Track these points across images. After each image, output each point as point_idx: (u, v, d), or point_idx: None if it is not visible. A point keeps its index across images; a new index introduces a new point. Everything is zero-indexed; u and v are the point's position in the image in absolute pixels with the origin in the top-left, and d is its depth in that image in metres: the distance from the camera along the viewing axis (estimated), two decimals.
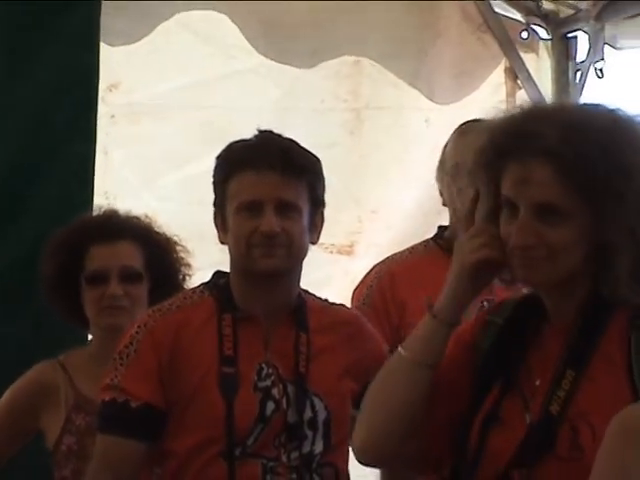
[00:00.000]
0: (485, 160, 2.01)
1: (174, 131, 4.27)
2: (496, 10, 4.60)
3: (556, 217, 1.94)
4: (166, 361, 2.52)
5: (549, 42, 4.64)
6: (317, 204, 2.59)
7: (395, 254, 3.28)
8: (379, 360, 2.28)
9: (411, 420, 2.01)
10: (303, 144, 2.60)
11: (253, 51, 4.24)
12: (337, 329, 2.61)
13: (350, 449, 2.61)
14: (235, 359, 2.52)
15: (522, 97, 4.58)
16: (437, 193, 3.26)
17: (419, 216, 4.18)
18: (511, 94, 4.63)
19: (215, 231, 2.62)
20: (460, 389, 2.04)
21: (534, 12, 4.55)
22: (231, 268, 2.60)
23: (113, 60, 3.95)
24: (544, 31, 4.62)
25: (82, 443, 2.91)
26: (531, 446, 1.94)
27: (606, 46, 4.50)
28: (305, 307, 2.61)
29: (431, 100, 4.50)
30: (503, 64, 4.63)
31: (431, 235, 3.27)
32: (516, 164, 1.96)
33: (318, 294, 2.69)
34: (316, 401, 2.54)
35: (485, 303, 2.49)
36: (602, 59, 4.47)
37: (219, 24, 4.19)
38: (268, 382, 2.53)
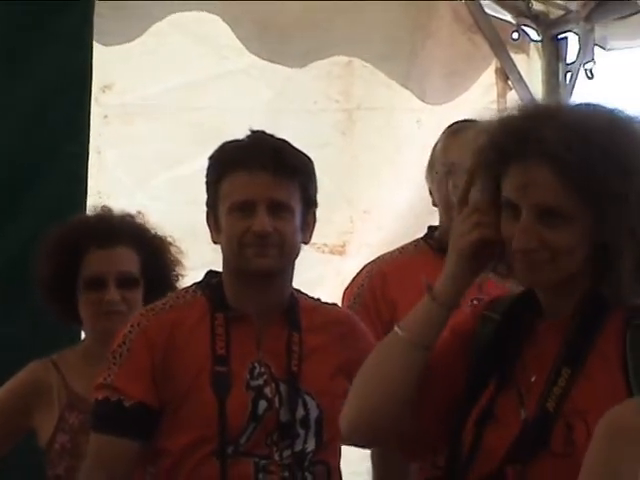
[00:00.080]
0: (485, 160, 2.01)
1: (167, 131, 4.28)
2: (487, 11, 4.61)
3: (558, 220, 1.95)
4: (159, 360, 2.53)
5: (539, 43, 4.66)
6: (309, 204, 2.60)
7: (386, 254, 3.29)
8: None
9: (404, 400, 2.01)
10: (295, 144, 2.61)
11: (245, 51, 4.24)
12: (329, 328, 2.62)
13: (342, 447, 2.66)
14: (228, 358, 2.53)
15: (513, 98, 4.60)
16: (428, 193, 3.29)
17: (410, 217, 4.19)
18: (502, 95, 4.64)
19: (208, 231, 2.63)
20: (455, 375, 2.05)
21: (524, 13, 4.56)
22: (224, 268, 2.61)
23: (106, 61, 3.95)
24: (534, 32, 4.63)
25: (75, 441, 2.92)
26: (526, 442, 1.95)
27: (596, 47, 4.51)
28: (297, 306, 2.62)
29: (422, 101, 4.52)
30: (494, 65, 4.64)
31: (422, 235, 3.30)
32: (517, 167, 1.96)
33: (310, 294, 2.70)
34: (308, 400, 2.55)
35: (475, 302, 2.50)
36: (592, 60, 4.49)
37: (212, 25, 4.20)
38: (260, 381, 2.54)
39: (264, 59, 4.27)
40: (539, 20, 4.60)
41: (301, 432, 2.54)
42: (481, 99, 4.60)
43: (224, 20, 4.18)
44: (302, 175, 2.57)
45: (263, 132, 2.61)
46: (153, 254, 2.98)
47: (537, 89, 4.62)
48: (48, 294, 3.01)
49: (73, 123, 3.64)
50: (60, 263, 2.94)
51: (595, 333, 1.98)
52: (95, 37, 3.71)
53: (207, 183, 2.62)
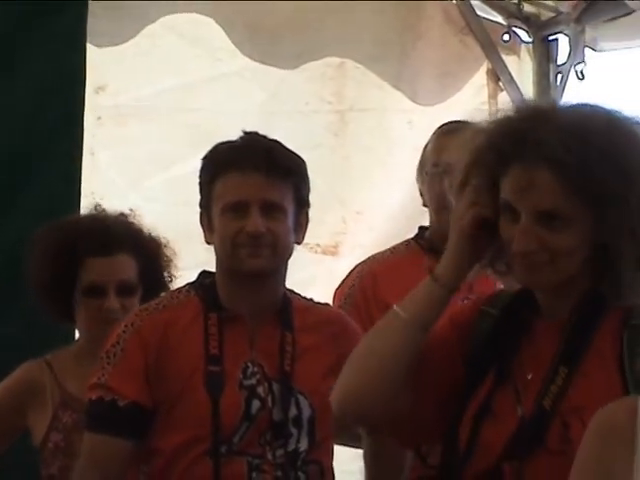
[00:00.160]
0: (483, 161, 2.02)
1: (160, 133, 4.27)
2: (478, 13, 4.61)
3: (557, 222, 1.95)
4: (153, 360, 2.54)
5: (530, 45, 4.66)
6: (302, 204, 2.61)
7: (377, 254, 3.30)
8: None
9: (396, 379, 2.01)
10: (288, 146, 2.62)
11: (238, 53, 4.25)
12: (322, 328, 2.63)
13: (334, 446, 2.67)
14: (221, 358, 2.54)
15: (504, 99, 4.61)
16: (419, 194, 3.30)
17: (402, 217, 4.20)
18: (493, 96, 4.65)
19: (201, 231, 2.64)
20: (453, 363, 2.05)
21: (515, 15, 4.57)
22: (217, 268, 2.62)
23: (100, 62, 3.95)
24: (525, 34, 4.63)
25: (69, 440, 2.92)
26: (522, 439, 1.96)
27: (586, 48, 4.52)
28: (290, 307, 2.63)
29: (414, 102, 4.52)
30: (485, 66, 4.64)
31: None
32: (516, 170, 1.97)
33: (303, 294, 2.71)
34: (301, 399, 2.56)
35: (465, 301, 2.52)
36: (583, 61, 4.49)
37: (205, 27, 4.20)
38: (253, 380, 2.55)
39: (256, 61, 4.28)
40: (530, 22, 4.60)
41: (294, 431, 2.55)
42: (472, 100, 4.61)
43: (217, 22, 4.18)
44: (295, 176, 2.58)
45: (256, 133, 2.62)
46: (150, 259, 2.99)
47: (528, 90, 4.63)
48: (45, 297, 3.01)
49: (67, 124, 3.64)
50: (59, 268, 2.94)
51: (592, 332, 1.99)
52: (88, 38, 3.72)
53: (200, 184, 2.63)
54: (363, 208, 4.53)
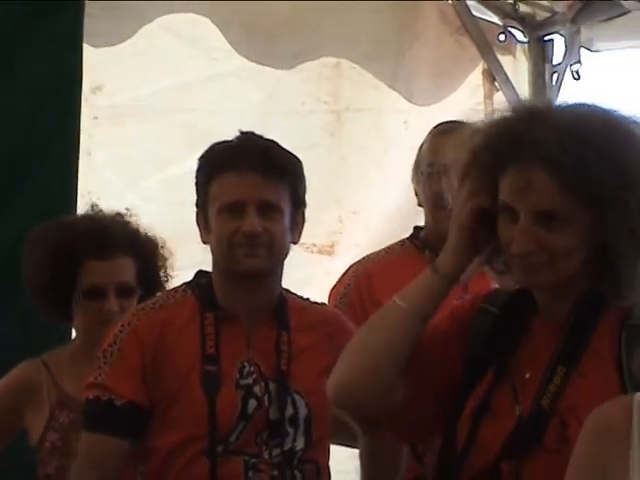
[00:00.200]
0: (481, 162, 2.02)
1: (157, 133, 4.28)
2: (474, 13, 4.63)
3: (556, 222, 1.95)
4: (150, 359, 2.54)
5: (526, 45, 4.67)
6: (298, 204, 2.62)
7: (372, 254, 3.32)
8: None
9: (393, 369, 2.02)
10: (284, 146, 2.63)
11: (235, 53, 4.26)
12: (318, 328, 2.64)
13: (331, 446, 2.68)
14: (217, 357, 2.54)
15: (500, 99, 4.62)
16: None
17: (398, 217, 4.20)
18: (489, 96, 4.66)
19: (197, 231, 2.64)
20: (453, 358, 2.06)
21: (511, 15, 4.58)
22: (213, 268, 2.63)
23: (96, 62, 3.95)
24: (521, 34, 4.65)
25: (66, 439, 2.93)
26: (520, 438, 1.96)
27: (582, 49, 4.53)
28: (286, 306, 2.64)
29: (410, 102, 4.53)
30: (481, 66, 4.66)
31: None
32: (514, 171, 1.97)
33: (299, 293, 2.72)
34: (297, 398, 2.57)
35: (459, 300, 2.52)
36: (578, 61, 4.50)
37: (201, 27, 4.20)
38: (250, 380, 2.55)
39: (253, 61, 4.28)
40: (525, 22, 4.62)
41: (290, 431, 2.55)
42: (468, 100, 4.62)
43: (213, 22, 4.19)
44: (291, 176, 2.59)
45: (252, 133, 2.63)
46: (148, 261, 3.00)
47: (524, 90, 4.64)
48: (43, 298, 3.02)
49: (63, 124, 3.64)
50: (58, 271, 2.94)
51: (591, 332, 2.00)
52: (85, 39, 3.72)
53: (197, 184, 2.63)
54: (359, 208, 4.54)
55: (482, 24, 4.64)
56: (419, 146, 3.28)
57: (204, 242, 2.63)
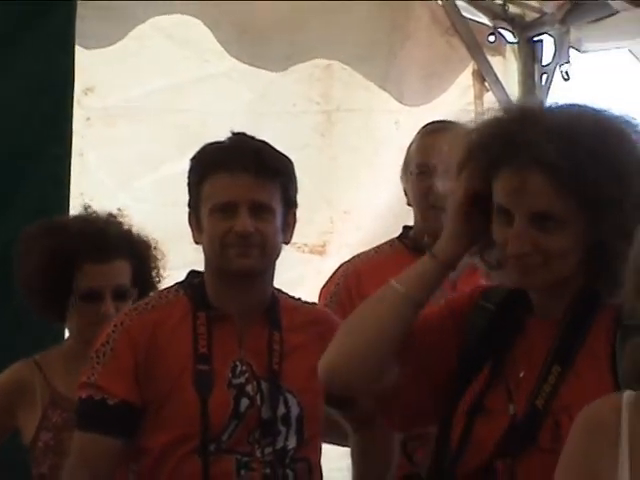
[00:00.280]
0: (475, 160, 2.03)
1: (149, 134, 4.28)
2: (464, 14, 4.64)
3: (551, 223, 1.96)
4: (142, 359, 2.55)
5: (516, 45, 4.68)
6: (290, 205, 2.62)
7: (361, 253, 3.33)
8: None
9: (384, 350, 2.03)
10: (276, 146, 2.64)
11: (226, 54, 4.26)
12: (309, 328, 2.64)
13: (322, 444, 2.69)
14: (210, 357, 2.55)
15: (490, 99, 4.64)
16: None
17: (389, 217, 4.21)
18: (479, 96, 4.68)
19: (190, 231, 2.65)
20: (448, 349, 2.07)
21: (501, 16, 4.59)
22: (206, 268, 2.64)
23: (88, 63, 3.95)
24: (511, 34, 4.66)
25: (59, 438, 2.94)
26: (514, 438, 1.97)
27: (571, 49, 4.55)
28: (278, 306, 2.65)
29: (400, 102, 4.54)
30: (471, 67, 4.67)
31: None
32: (508, 172, 1.98)
33: (291, 293, 2.73)
34: (289, 397, 2.58)
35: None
36: (567, 62, 4.52)
37: (193, 28, 4.21)
38: (242, 379, 2.56)
39: (245, 63, 4.29)
40: (515, 23, 4.63)
41: (282, 429, 2.56)
42: (458, 100, 4.63)
43: (205, 23, 4.19)
44: (283, 176, 2.60)
45: (244, 134, 2.64)
46: (143, 263, 3.02)
47: (513, 90, 4.65)
48: (39, 300, 3.03)
49: (56, 125, 3.65)
50: (55, 274, 2.95)
51: (586, 332, 2.00)
52: (77, 40, 3.72)
53: (189, 184, 2.64)
54: (350, 208, 4.55)
55: (472, 25, 4.65)
56: (408, 146, 3.29)
57: (196, 242, 2.64)
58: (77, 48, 3.73)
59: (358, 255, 3.33)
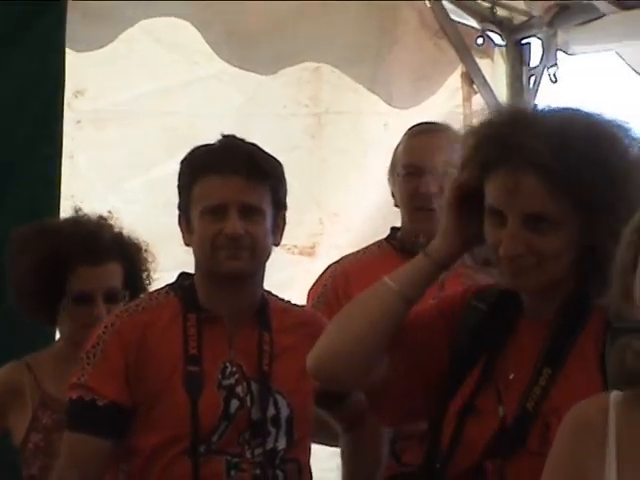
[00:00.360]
0: (469, 165, 2.04)
1: (139, 136, 4.28)
2: (452, 17, 4.65)
3: (545, 225, 1.97)
4: (132, 360, 2.56)
5: (504, 48, 4.68)
6: (279, 207, 2.63)
7: (349, 254, 3.33)
8: None
9: (373, 346, 2.03)
10: (265, 148, 2.65)
11: (215, 57, 4.27)
12: (299, 330, 2.65)
13: (312, 445, 2.70)
14: (200, 358, 2.56)
15: (478, 101, 4.65)
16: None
17: (378, 218, 4.22)
18: (467, 98, 4.69)
19: (180, 233, 2.66)
20: (440, 348, 2.07)
21: (489, 19, 4.59)
22: (196, 270, 2.65)
23: (79, 66, 3.95)
24: (499, 37, 4.66)
25: (49, 440, 2.95)
26: (504, 440, 1.98)
27: (559, 52, 4.56)
28: (268, 308, 2.65)
29: (389, 104, 4.54)
30: (459, 69, 4.67)
31: None
32: (502, 174, 1.99)
33: (281, 294, 2.74)
34: (279, 399, 2.58)
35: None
36: (555, 64, 4.53)
37: (183, 31, 4.20)
38: (232, 380, 2.57)
39: (235, 66, 4.30)
40: (503, 25, 4.64)
41: (272, 430, 2.57)
42: (447, 103, 4.64)
43: (194, 26, 4.20)
44: (273, 179, 2.61)
45: (234, 137, 2.64)
46: (134, 265, 3.03)
47: (502, 93, 4.66)
48: (31, 303, 3.03)
49: (46, 128, 3.65)
50: (47, 277, 2.96)
51: (577, 334, 2.01)
52: (67, 43, 3.73)
53: (179, 187, 2.64)
54: (339, 209, 4.56)
55: (460, 28, 4.65)
56: (395, 148, 3.31)
57: (186, 244, 2.65)
58: (68, 51, 3.73)
59: (346, 256, 3.34)
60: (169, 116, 4.30)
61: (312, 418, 2.65)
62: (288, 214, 2.68)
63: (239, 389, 2.57)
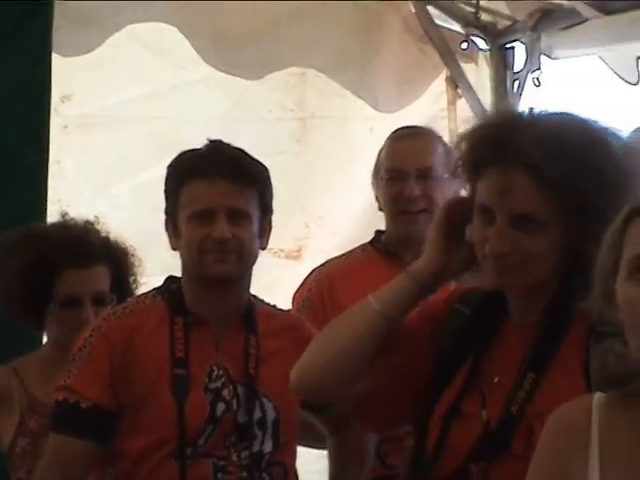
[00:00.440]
0: (464, 166, 2.05)
1: (125, 141, 4.28)
2: (436, 22, 4.67)
3: (533, 226, 1.98)
4: (118, 363, 2.56)
5: (488, 52, 4.70)
6: (266, 211, 2.64)
7: (334, 258, 3.34)
8: None
9: (355, 363, 2.05)
10: (251, 152, 2.66)
11: (202, 62, 4.28)
12: (284, 334, 2.66)
13: (298, 447, 2.72)
14: (186, 361, 2.57)
15: (463, 105, 4.68)
16: None
17: (364, 222, 4.23)
18: (452, 102, 4.71)
19: (167, 237, 2.67)
20: (425, 354, 2.08)
21: (473, 24, 4.60)
22: (183, 273, 2.66)
23: (65, 71, 3.95)
24: (483, 42, 4.67)
25: (36, 444, 2.95)
26: (488, 443, 1.99)
27: (542, 56, 4.58)
28: (254, 312, 2.66)
29: (375, 109, 4.56)
30: (444, 74, 4.69)
31: None
32: (495, 173, 1.99)
33: (267, 298, 2.75)
34: (265, 402, 2.59)
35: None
36: (539, 68, 4.55)
37: (169, 36, 4.21)
38: (219, 383, 2.58)
39: (221, 71, 4.31)
40: (487, 30, 4.65)
41: (258, 433, 2.58)
42: (432, 107, 4.66)
43: (181, 31, 4.21)
44: (259, 183, 2.62)
45: (220, 141, 2.65)
46: (121, 269, 3.04)
47: (486, 97, 4.68)
48: (18, 307, 3.04)
49: (33, 133, 3.65)
50: (34, 281, 2.96)
51: (561, 338, 2.02)
52: (54, 48, 3.72)
53: (166, 191, 2.65)
54: (325, 213, 4.57)
55: (444, 32, 4.67)
56: (378, 152, 3.33)
57: (173, 248, 2.66)
58: (54, 56, 3.73)
59: (331, 260, 3.35)
60: (156, 121, 4.31)
61: (298, 421, 2.66)
62: (274, 218, 2.69)
63: (225, 392, 2.58)
